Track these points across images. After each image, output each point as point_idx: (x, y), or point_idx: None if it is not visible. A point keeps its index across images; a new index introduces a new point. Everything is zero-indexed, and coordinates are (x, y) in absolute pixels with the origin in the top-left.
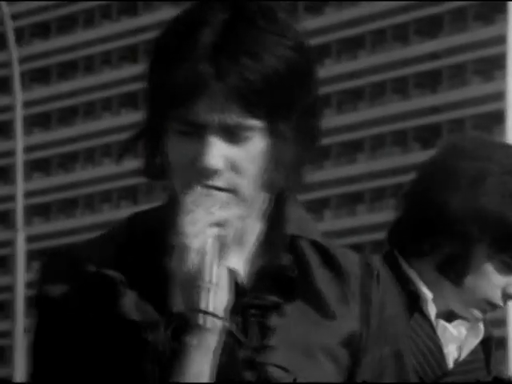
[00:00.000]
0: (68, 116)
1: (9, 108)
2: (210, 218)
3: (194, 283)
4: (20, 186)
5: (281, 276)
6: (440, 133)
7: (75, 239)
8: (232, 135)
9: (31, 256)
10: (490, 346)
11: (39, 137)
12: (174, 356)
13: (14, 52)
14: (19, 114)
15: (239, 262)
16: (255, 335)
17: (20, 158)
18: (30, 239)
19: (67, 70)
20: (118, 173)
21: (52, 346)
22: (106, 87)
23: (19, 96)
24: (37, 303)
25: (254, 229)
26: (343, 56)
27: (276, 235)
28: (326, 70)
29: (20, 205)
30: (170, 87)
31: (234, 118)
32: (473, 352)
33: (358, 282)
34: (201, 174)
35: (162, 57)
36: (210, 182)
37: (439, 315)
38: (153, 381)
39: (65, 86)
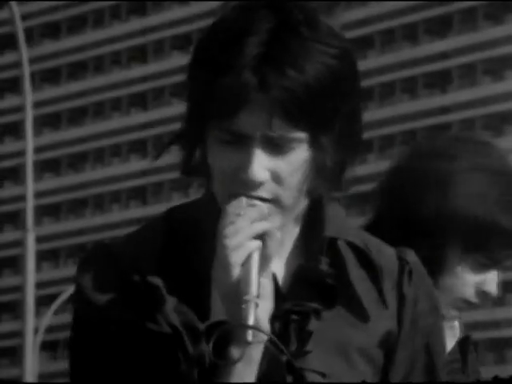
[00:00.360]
0: (78, 116)
1: (19, 108)
2: (251, 229)
3: (238, 297)
4: (30, 186)
5: (320, 282)
6: (450, 132)
7: (85, 239)
8: (275, 147)
9: (41, 256)
10: (466, 346)
11: (49, 137)
12: (215, 367)
13: (24, 52)
14: (29, 115)
15: (277, 265)
16: (294, 340)
17: (30, 159)
18: (40, 239)
19: (77, 70)
20: (127, 173)
21: (89, 348)
22: (116, 87)
23: (29, 96)
24: (74, 302)
25: (292, 233)
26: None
27: (314, 238)
28: None
29: (30, 205)
30: (213, 97)
31: (276, 130)
32: (450, 353)
33: (393, 280)
34: (244, 185)
35: (205, 65)
36: (253, 193)
37: None
38: None
39: (74, 86)
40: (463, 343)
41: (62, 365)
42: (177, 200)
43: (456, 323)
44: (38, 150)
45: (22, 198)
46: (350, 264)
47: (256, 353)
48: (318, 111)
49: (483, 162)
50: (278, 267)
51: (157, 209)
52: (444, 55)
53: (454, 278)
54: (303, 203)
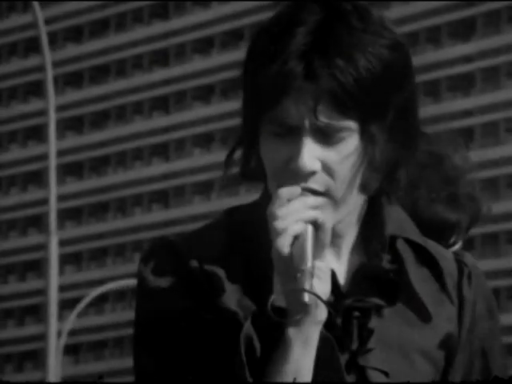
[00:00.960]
0: (100, 120)
1: (42, 112)
2: (305, 213)
3: (295, 268)
4: (53, 190)
5: (382, 278)
6: (473, 136)
7: (107, 243)
8: (324, 136)
9: (64, 260)
10: None
11: (72, 140)
12: (273, 347)
13: (48, 56)
14: (52, 118)
15: (336, 264)
16: (356, 337)
17: (53, 162)
18: (63, 243)
19: (99, 73)
20: (150, 176)
21: (153, 337)
22: (138, 91)
23: (52, 100)
24: (137, 294)
25: (351, 231)
26: None
27: (375, 236)
28: None
29: (53, 208)
30: (260, 87)
31: (325, 119)
32: None
33: (453, 282)
34: (295, 176)
35: (255, 57)
36: (304, 184)
37: None
38: (246, 372)
39: (97, 90)
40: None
41: (85, 368)
42: (199, 203)
43: None
44: (61, 153)
45: (45, 201)
46: (409, 263)
47: (312, 333)
48: (367, 100)
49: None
50: (340, 266)
51: (179, 212)
52: (467, 58)
53: None
54: (357, 199)
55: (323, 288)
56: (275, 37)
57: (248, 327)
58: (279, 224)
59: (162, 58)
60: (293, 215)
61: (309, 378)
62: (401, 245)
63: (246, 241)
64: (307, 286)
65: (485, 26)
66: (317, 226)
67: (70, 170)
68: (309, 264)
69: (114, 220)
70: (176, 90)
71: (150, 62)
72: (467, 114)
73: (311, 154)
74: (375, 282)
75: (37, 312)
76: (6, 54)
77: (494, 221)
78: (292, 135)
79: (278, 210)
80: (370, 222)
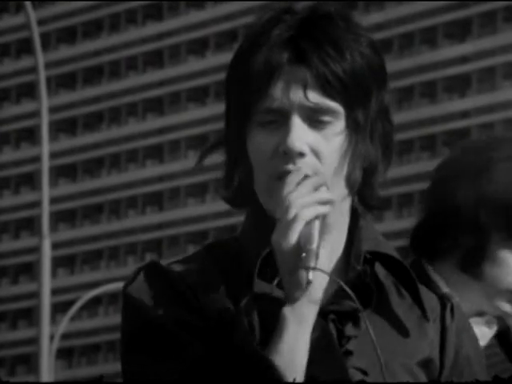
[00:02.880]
0: (93, 121)
1: (35, 113)
2: (315, 195)
3: (301, 249)
4: (46, 192)
5: (357, 284)
6: (469, 137)
7: (100, 245)
8: (312, 120)
9: (57, 262)
10: (508, 337)
11: (65, 142)
12: (269, 327)
13: (40, 57)
14: (45, 120)
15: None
16: (335, 341)
17: (46, 164)
18: (56, 245)
19: (93, 75)
20: (144, 178)
21: (144, 344)
22: (132, 92)
23: (45, 102)
24: (126, 309)
25: (341, 241)
26: None
27: (353, 252)
28: None
29: (46, 211)
30: (250, 74)
31: (313, 98)
32: (487, 347)
33: (435, 314)
34: (284, 159)
35: (243, 49)
36: (293, 166)
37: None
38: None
39: (90, 92)
40: (504, 336)
41: (78, 372)
42: (193, 206)
43: (491, 317)
44: (54, 155)
45: (37, 203)
46: (389, 287)
47: (307, 312)
48: (352, 86)
49: None
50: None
51: (173, 214)
52: (463, 59)
53: (497, 267)
54: (343, 193)
55: (326, 267)
56: (262, 28)
57: (248, 302)
58: (292, 210)
59: (156, 60)
60: (304, 199)
61: (304, 360)
62: (381, 272)
63: (227, 269)
64: (312, 265)
65: (481, 27)
66: (324, 204)
67: (63, 172)
68: (314, 245)
69: (108, 222)
70: (170, 91)
71: (143, 64)
72: (463, 115)
73: (300, 135)
74: (353, 292)
75: (29, 315)
76: None
77: None
78: (280, 122)
79: (289, 195)
80: (349, 239)
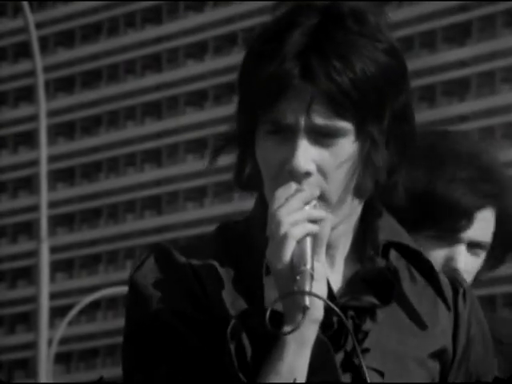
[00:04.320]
0: (92, 125)
1: (33, 117)
2: (306, 211)
3: (293, 271)
4: (44, 196)
5: (376, 279)
6: None
7: (99, 250)
8: (320, 137)
9: (55, 267)
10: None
11: (63, 146)
12: (267, 346)
13: (39, 61)
14: (43, 124)
15: (330, 273)
16: (351, 338)
17: (44, 168)
18: (54, 250)
19: (91, 79)
20: (142, 182)
21: (147, 338)
22: (130, 96)
23: (43, 105)
24: (131, 298)
25: (345, 241)
26: None
27: (368, 242)
28: None
29: (44, 215)
30: (257, 87)
31: (320, 119)
32: None
33: (450, 293)
34: (290, 177)
35: (252, 59)
36: (298, 186)
37: None
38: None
39: (89, 95)
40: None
41: (76, 376)
42: (192, 210)
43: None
44: (52, 159)
45: (35, 208)
46: (402, 272)
47: (309, 333)
48: (363, 101)
49: (464, 147)
50: (334, 274)
51: (172, 218)
52: (462, 63)
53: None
54: (353, 203)
55: (321, 288)
56: (272, 38)
57: (235, 325)
58: (281, 228)
59: (154, 63)
60: (293, 216)
61: (303, 378)
62: (394, 255)
63: (237, 252)
64: (307, 288)
65: (480, 31)
66: (318, 222)
67: (61, 176)
68: (308, 266)
69: (106, 226)
70: (169, 95)
71: (142, 67)
72: (463, 119)
73: (306, 155)
74: (370, 284)
75: (27, 320)
76: None
77: None
78: (287, 135)
79: (277, 211)
80: (364, 229)
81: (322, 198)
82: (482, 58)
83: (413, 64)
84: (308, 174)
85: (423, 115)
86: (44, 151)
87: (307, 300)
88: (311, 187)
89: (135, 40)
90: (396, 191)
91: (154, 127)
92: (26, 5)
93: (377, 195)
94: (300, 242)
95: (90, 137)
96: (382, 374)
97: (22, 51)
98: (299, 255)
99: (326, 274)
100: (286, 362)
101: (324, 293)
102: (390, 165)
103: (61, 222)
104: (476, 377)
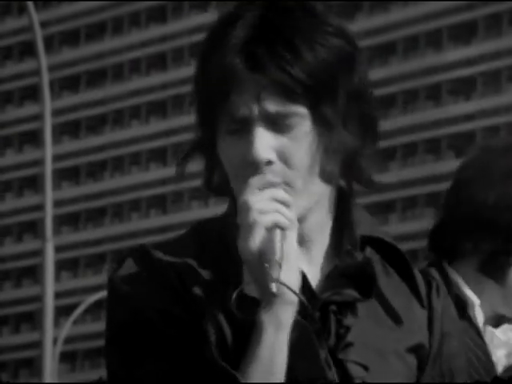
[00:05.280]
0: (97, 124)
1: (38, 116)
2: (274, 204)
3: (262, 259)
4: (49, 195)
5: (356, 273)
6: (474, 140)
7: (104, 249)
8: (275, 125)
9: (60, 266)
10: None
11: (68, 145)
12: (246, 332)
13: (43, 60)
14: (48, 123)
15: (309, 269)
16: (334, 333)
17: (49, 167)
18: (59, 249)
19: (96, 77)
20: (147, 181)
21: (129, 338)
22: (135, 95)
23: (48, 104)
24: (111, 298)
25: (322, 237)
26: (374, 62)
27: (345, 237)
28: None
29: (49, 214)
30: (206, 85)
31: (273, 106)
32: (508, 369)
33: (424, 289)
34: (253, 169)
35: (198, 60)
36: (263, 175)
37: (487, 321)
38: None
39: (93, 94)
40: None
41: (81, 376)
42: (197, 209)
43: None
44: (57, 158)
45: (40, 207)
46: (377, 267)
47: (285, 316)
48: (316, 86)
49: None
50: (312, 270)
51: (177, 218)
52: (468, 62)
53: None
54: (321, 188)
55: (292, 277)
56: (216, 35)
57: (214, 315)
58: (250, 216)
59: (159, 62)
60: (263, 206)
61: (284, 363)
62: (369, 250)
63: (215, 249)
64: (274, 276)
65: (486, 30)
66: (287, 207)
67: (66, 175)
68: (277, 255)
69: (111, 226)
70: (174, 94)
71: (147, 66)
72: (468, 118)
73: (264, 143)
74: (349, 279)
75: (32, 319)
76: (1, 57)
77: None
78: (245, 129)
79: (249, 200)
80: (341, 224)
81: (288, 185)
82: (488, 57)
83: (418, 63)
84: (269, 163)
85: (429, 114)
86: (49, 150)
87: (274, 287)
88: (275, 175)
89: (140, 39)
90: (362, 176)
91: (159, 126)
92: (30, 4)
93: (348, 187)
94: (269, 231)
95: (94, 136)
96: (365, 368)
97: (27, 50)
98: (268, 243)
99: (300, 264)
100: (264, 346)
101: (295, 279)
102: (353, 147)
103: (66, 221)
104: (451, 372)
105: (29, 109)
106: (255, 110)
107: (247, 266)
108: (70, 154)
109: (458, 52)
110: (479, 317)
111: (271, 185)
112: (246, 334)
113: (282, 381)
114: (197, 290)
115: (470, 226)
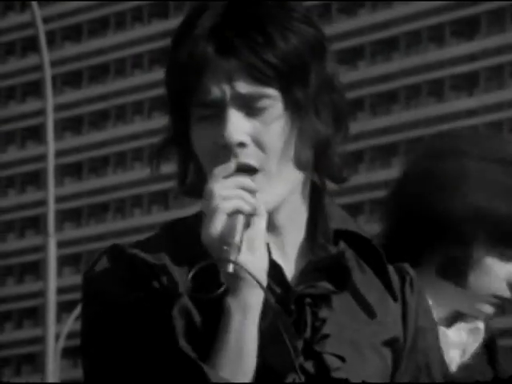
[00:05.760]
0: (99, 120)
1: (40, 112)
2: (237, 192)
3: (222, 241)
4: (51, 191)
5: (330, 266)
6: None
7: (106, 244)
8: (248, 108)
9: (62, 261)
10: (493, 347)
11: (70, 141)
12: (216, 323)
13: (46, 55)
14: (51, 118)
15: (284, 263)
16: (310, 325)
17: (51, 163)
18: (61, 244)
19: (98, 73)
20: (150, 177)
21: (107, 331)
22: (138, 90)
23: (51, 100)
24: (86, 296)
25: (295, 232)
26: (377, 58)
27: (319, 231)
28: (360, 72)
29: (51, 210)
30: (175, 74)
31: (244, 87)
32: (474, 356)
33: (397, 283)
34: (226, 152)
35: (170, 48)
36: (236, 159)
37: (440, 322)
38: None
39: (96, 90)
40: (490, 346)
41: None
42: (199, 204)
43: (480, 325)
44: (60, 154)
45: (43, 202)
46: (351, 262)
47: (250, 299)
48: (286, 69)
49: (494, 154)
50: (287, 265)
51: (179, 213)
52: (471, 57)
53: (482, 274)
54: (294, 175)
55: (257, 263)
56: (184, 25)
57: (184, 301)
58: (213, 202)
59: (161, 58)
60: (226, 192)
61: (253, 348)
62: (342, 245)
63: (188, 244)
64: (233, 258)
65: (489, 25)
66: (252, 193)
67: (68, 171)
68: (237, 238)
69: (114, 221)
70: None
71: (149, 62)
72: (471, 113)
73: (236, 125)
74: (324, 272)
75: (35, 315)
76: (3, 53)
77: None
78: (217, 114)
79: (212, 187)
80: (314, 219)
81: (262, 169)
82: (491, 52)
83: (421, 58)
84: (242, 145)
85: (431, 110)
86: (51, 146)
87: (231, 267)
88: (249, 158)
89: (142, 34)
90: (333, 165)
91: (161, 121)
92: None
93: (321, 180)
94: (231, 217)
95: (97, 131)
96: (342, 359)
97: (30, 46)
98: (229, 228)
99: (275, 257)
100: (232, 331)
101: (262, 267)
102: (325, 135)
103: (68, 216)
104: (426, 367)
105: (31, 104)
106: (227, 91)
107: (209, 251)
108: (72, 150)
109: (461, 47)
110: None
111: (246, 168)
112: (216, 322)
113: (253, 367)
114: (170, 284)
115: (425, 235)
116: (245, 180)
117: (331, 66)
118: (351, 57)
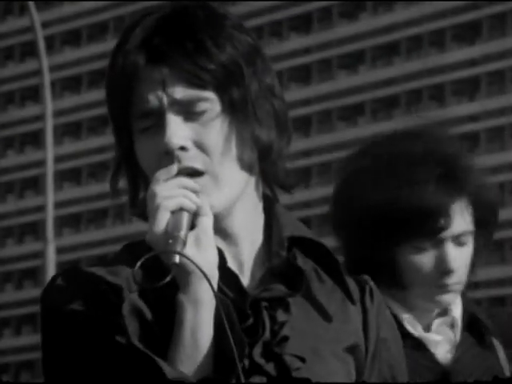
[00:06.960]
0: (98, 125)
1: (39, 117)
2: (180, 191)
3: (168, 236)
4: (50, 197)
5: (285, 270)
6: (478, 141)
7: (105, 250)
8: (187, 112)
9: (61, 267)
10: (477, 325)
11: (69, 146)
12: (168, 312)
13: (45, 60)
14: (50, 124)
15: (239, 271)
16: (268, 328)
17: (50, 168)
18: (60, 250)
19: (98, 78)
20: None
21: (68, 347)
22: None
23: (50, 105)
24: (45, 317)
25: (252, 234)
26: (378, 63)
27: (275, 239)
28: (361, 77)
29: (50, 215)
30: (112, 88)
31: (180, 92)
32: (460, 344)
33: (357, 292)
34: (168, 158)
35: (107, 71)
36: (179, 164)
37: (419, 328)
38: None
39: (95, 95)
40: (474, 324)
41: None
42: None
43: (455, 313)
44: (59, 159)
45: (42, 208)
46: (309, 273)
47: (202, 292)
48: (221, 71)
49: (415, 147)
50: (243, 275)
51: None
52: (472, 62)
53: (411, 271)
54: (241, 177)
55: (205, 257)
56: (118, 41)
57: (133, 299)
58: (155, 201)
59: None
60: (168, 191)
61: (207, 342)
62: (300, 255)
63: (147, 265)
64: (178, 248)
65: (490, 30)
66: (196, 193)
67: (67, 176)
68: (182, 233)
69: (113, 227)
70: None
71: None
72: (472, 118)
73: (175, 130)
74: (279, 277)
75: (34, 321)
76: (2, 58)
77: (499, 227)
78: (157, 124)
79: (154, 188)
80: (269, 229)
81: (207, 172)
82: (492, 57)
83: (422, 63)
84: (184, 149)
85: (432, 115)
86: (50, 151)
87: (177, 258)
88: (192, 161)
89: None
90: (278, 171)
91: None
92: (31, 4)
93: (269, 187)
94: (175, 214)
95: (96, 136)
96: (303, 360)
97: (28, 50)
98: (173, 225)
99: (231, 265)
100: (186, 326)
101: (211, 261)
102: (267, 140)
103: (67, 222)
104: (392, 378)
105: (30, 110)
106: (164, 99)
107: (155, 249)
108: (71, 155)
109: (462, 52)
110: (416, 327)
111: (190, 171)
112: (169, 319)
113: (210, 360)
114: (126, 295)
115: (360, 251)
116: (187, 180)
117: (270, 76)
118: (352, 61)
